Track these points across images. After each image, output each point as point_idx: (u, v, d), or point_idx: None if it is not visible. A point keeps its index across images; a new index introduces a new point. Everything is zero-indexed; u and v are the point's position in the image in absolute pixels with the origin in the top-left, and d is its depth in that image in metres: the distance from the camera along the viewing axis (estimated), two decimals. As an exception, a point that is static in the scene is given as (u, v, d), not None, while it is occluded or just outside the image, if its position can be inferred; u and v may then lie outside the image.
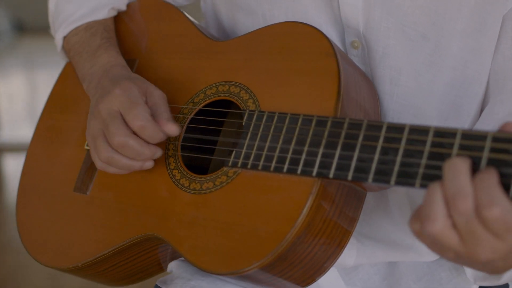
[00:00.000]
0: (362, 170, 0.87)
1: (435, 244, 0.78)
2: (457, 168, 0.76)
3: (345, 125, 0.91)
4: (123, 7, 1.25)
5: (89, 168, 1.16)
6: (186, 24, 1.18)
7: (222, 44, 1.11)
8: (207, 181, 1.02)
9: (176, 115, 1.10)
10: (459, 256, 0.78)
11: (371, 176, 0.86)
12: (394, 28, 1.03)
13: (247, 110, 1.02)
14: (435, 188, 0.77)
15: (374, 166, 0.86)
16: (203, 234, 0.99)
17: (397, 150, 0.85)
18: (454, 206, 0.74)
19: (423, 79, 1.06)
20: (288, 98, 0.99)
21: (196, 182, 1.03)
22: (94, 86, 1.12)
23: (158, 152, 1.03)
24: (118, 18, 1.25)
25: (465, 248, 0.76)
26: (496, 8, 1.01)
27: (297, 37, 1.02)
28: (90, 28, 1.21)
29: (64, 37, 1.23)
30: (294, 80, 1.00)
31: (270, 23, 1.10)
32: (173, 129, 1.02)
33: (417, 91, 1.06)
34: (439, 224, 0.75)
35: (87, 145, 1.17)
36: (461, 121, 1.08)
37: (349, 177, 0.88)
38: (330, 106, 0.94)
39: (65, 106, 1.27)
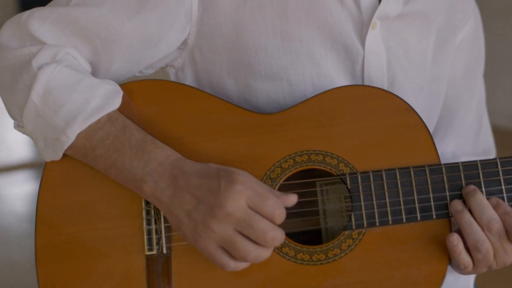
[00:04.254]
0: None
1: (485, 262, 1.07)
2: (483, 202, 1.06)
3: (460, 168, 1.08)
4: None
5: (162, 273, 1.08)
6: (210, 100, 1.14)
7: (278, 116, 1.13)
8: (331, 249, 1.07)
9: None
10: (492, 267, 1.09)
11: None
12: (412, 86, 1.22)
13: (347, 174, 1.09)
14: (471, 222, 1.06)
15: (505, 195, 1.07)
16: None
17: None
18: (490, 230, 1.05)
19: None
20: (382, 155, 1.10)
21: (318, 253, 1.07)
22: (169, 186, 1.03)
23: None
24: None
25: (497, 259, 1.07)
26: (448, 52, 1.28)
27: (364, 99, 1.12)
28: (115, 119, 1.09)
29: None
30: (380, 137, 1.11)
31: (296, 87, 1.17)
32: (293, 199, 1.03)
33: None
34: (487, 242, 1.05)
35: (149, 250, 1.08)
36: None
37: None
38: (433, 154, 1.10)
39: (76, 215, 1.11)
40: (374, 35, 1.18)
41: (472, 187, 1.07)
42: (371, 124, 1.12)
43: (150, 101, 1.15)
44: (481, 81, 1.36)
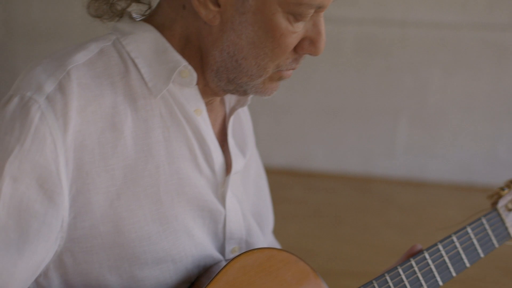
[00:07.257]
0: None
1: None
2: None
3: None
4: None
5: None
6: None
7: None
8: None
9: None
10: None
11: None
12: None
13: None
14: None
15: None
16: None
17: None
18: None
19: None
20: None
21: None
22: None
23: None
24: None
25: None
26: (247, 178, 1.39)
27: (263, 261, 1.18)
28: None
29: None
30: None
31: (179, 264, 1.17)
32: None
33: None
34: None
35: None
36: None
37: None
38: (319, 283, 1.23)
39: None
40: (228, 192, 1.23)
41: None
42: (276, 283, 1.18)
43: None
44: (266, 184, 1.47)
